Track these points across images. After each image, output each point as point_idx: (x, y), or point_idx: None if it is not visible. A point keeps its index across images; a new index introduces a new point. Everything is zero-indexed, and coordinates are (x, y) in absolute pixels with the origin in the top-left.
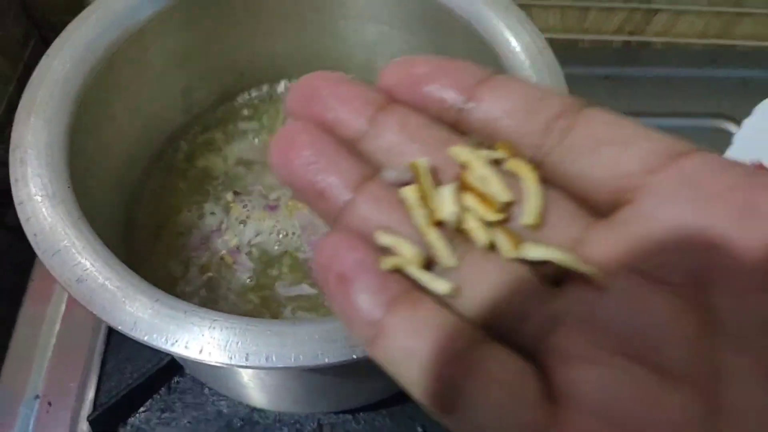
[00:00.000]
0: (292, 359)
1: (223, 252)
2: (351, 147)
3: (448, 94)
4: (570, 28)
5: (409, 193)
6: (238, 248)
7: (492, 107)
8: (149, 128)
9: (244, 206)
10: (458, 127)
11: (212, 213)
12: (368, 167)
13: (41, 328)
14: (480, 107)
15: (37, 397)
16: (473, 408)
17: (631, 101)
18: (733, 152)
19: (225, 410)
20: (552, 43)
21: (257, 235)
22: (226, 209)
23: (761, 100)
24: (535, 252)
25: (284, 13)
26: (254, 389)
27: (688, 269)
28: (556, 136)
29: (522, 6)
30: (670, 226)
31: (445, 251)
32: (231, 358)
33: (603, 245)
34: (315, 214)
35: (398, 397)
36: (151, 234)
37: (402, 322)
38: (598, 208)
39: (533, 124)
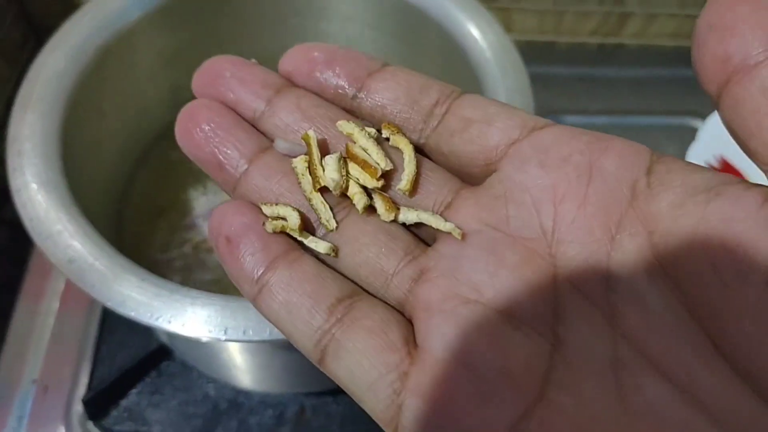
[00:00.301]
0: (268, 333)
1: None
2: (250, 124)
3: (340, 82)
4: (547, 30)
5: (298, 162)
6: None
7: (380, 96)
8: (139, 123)
9: None
10: (353, 113)
11: (204, 194)
12: (264, 140)
13: (37, 318)
14: (370, 96)
15: (33, 381)
16: (343, 352)
17: (606, 100)
18: (696, 148)
19: (212, 393)
20: (530, 44)
21: None
22: (216, 192)
23: None
24: (406, 215)
25: (267, 16)
26: (238, 369)
27: (538, 224)
28: (435, 120)
29: (501, 9)
30: (524, 187)
31: (326, 214)
32: (210, 331)
33: (467, 207)
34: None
35: None
36: (143, 217)
37: (281, 278)
38: (474, 179)
39: (416, 111)
